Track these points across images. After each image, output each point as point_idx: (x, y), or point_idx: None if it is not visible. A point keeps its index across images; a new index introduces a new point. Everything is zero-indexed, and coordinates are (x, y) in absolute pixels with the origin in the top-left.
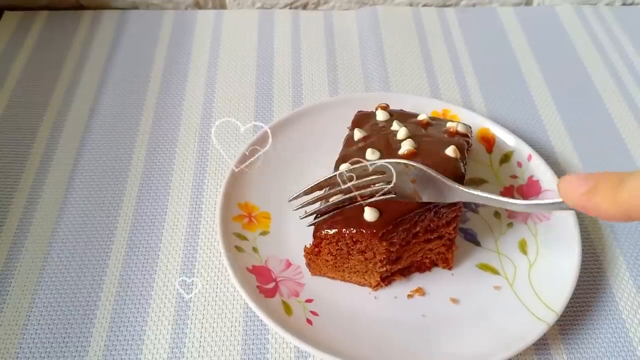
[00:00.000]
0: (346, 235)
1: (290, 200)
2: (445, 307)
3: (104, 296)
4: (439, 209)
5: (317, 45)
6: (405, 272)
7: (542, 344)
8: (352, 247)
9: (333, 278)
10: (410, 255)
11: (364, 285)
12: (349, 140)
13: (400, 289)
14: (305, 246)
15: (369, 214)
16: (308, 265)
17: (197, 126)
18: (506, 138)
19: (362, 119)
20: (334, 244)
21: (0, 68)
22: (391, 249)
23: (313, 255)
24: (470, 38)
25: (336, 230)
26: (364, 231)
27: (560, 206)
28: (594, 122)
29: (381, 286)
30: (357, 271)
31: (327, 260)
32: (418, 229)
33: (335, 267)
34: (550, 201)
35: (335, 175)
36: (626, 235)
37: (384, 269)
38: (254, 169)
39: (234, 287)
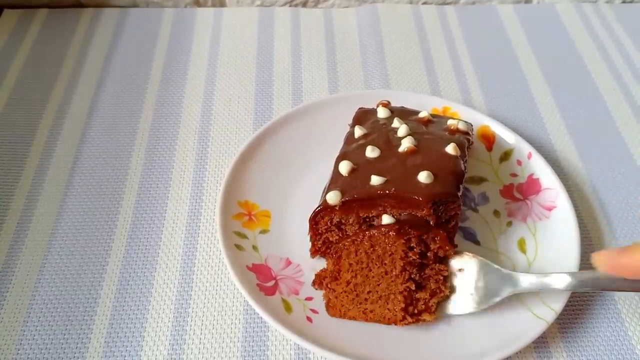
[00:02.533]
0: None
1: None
2: None
3: (104, 294)
4: (437, 207)
5: (317, 43)
6: None
7: (541, 342)
8: (371, 254)
9: (354, 318)
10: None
11: (388, 321)
12: (350, 137)
13: None
14: (321, 270)
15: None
16: (327, 304)
17: (196, 124)
18: (506, 136)
19: (363, 116)
20: (354, 254)
21: (0, 66)
22: (410, 256)
23: (332, 279)
24: (470, 35)
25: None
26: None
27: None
28: (593, 119)
29: (407, 320)
30: (380, 297)
31: (348, 283)
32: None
33: (357, 296)
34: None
35: None
36: (625, 234)
37: (405, 285)
38: (254, 167)
39: (234, 285)
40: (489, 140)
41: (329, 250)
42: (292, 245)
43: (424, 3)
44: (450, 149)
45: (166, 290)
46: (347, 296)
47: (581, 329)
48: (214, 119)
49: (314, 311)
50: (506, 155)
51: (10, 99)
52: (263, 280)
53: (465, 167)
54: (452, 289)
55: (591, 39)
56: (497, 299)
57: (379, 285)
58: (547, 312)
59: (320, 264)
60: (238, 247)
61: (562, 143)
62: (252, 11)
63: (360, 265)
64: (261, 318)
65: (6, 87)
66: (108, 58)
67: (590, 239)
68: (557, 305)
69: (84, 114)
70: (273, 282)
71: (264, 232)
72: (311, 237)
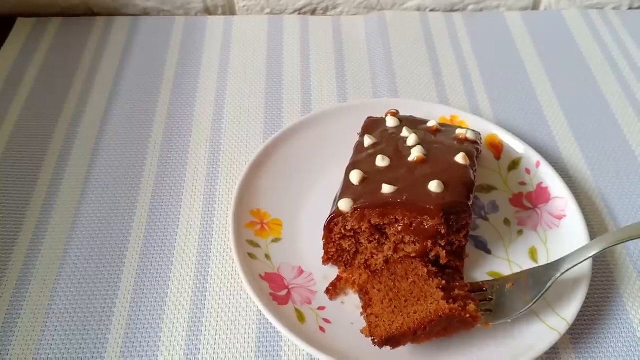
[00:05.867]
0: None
1: None
2: None
3: (119, 303)
4: (449, 217)
5: (325, 51)
6: None
7: (553, 352)
8: (394, 277)
9: (401, 328)
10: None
11: (435, 314)
12: (359, 146)
13: None
14: (336, 279)
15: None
16: (371, 327)
17: (208, 133)
18: (514, 145)
19: (372, 126)
20: (378, 283)
21: (14, 74)
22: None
23: (367, 306)
24: (477, 43)
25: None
26: None
27: None
28: (601, 127)
29: (453, 306)
30: (418, 299)
31: (382, 302)
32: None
33: (395, 307)
34: None
35: None
36: (637, 243)
37: (437, 280)
38: (265, 175)
39: (247, 294)
40: (497, 148)
41: (341, 258)
42: (304, 253)
43: (432, 10)
44: (460, 158)
45: (180, 299)
46: (387, 310)
47: (593, 339)
48: (224, 128)
49: (326, 321)
50: (515, 163)
51: (24, 108)
52: (276, 290)
53: (475, 176)
54: (505, 301)
55: (598, 46)
56: (547, 286)
57: (412, 292)
58: (560, 322)
59: (332, 273)
60: (251, 255)
61: (570, 151)
62: (262, 19)
63: (387, 287)
64: (274, 328)
65: (21, 95)
66: (120, 66)
67: None
68: (570, 316)
69: (97, 122)
70: (286, 291)
71: (276, 240)
72: (324, 244)
